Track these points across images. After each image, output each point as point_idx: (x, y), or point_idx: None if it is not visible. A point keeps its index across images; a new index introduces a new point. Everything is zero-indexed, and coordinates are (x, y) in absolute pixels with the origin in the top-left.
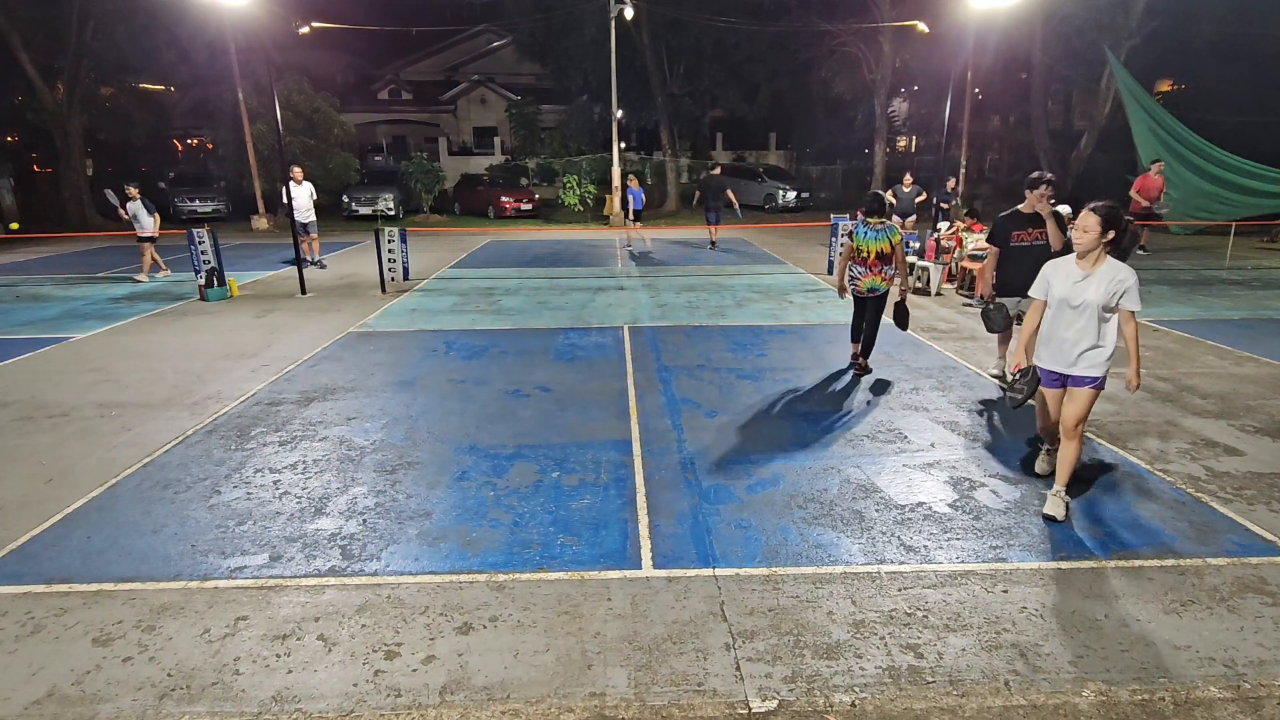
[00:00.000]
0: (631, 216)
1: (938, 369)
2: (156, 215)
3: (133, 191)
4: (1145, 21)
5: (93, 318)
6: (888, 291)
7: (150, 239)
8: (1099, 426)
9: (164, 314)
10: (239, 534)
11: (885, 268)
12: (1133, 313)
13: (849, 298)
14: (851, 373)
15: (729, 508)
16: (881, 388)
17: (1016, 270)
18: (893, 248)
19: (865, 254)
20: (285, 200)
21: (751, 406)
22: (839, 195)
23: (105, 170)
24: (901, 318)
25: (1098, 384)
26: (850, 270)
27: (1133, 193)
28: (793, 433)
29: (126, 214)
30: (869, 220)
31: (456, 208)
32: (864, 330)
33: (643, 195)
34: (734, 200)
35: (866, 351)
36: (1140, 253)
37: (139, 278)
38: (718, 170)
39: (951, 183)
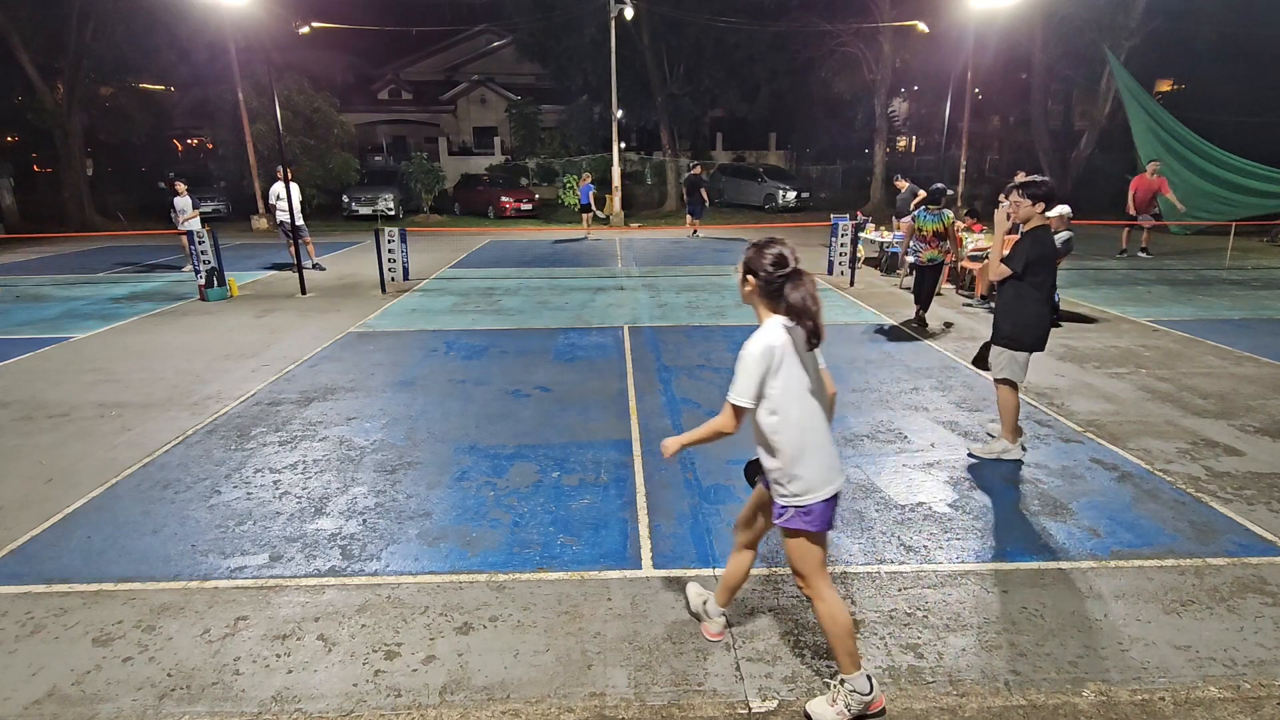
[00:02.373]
0: (579, 210)
1: (938, 369)
2: (197, 210)
3: (180, 187)
4: (1145, 21)
5: (93, 318)
6: (944, 261)
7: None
8: (1099, 426)
9: (164, 314)
10: (239, 534)
11: (941, 243)
12: (729, 404)
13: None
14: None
15: (729, 508)
16: (881, 388)
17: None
18: (946, 228)
19: (925, 233)
20: (285, 200)
21: None
22: (839, 195)
23: (105, 170)
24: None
25: (780, 517)
26: (913, 246)
27: (1169, 195)
28: None
29: (176, 209)
30: (929, 207)
31: (456, 208)
32: (927, 291)
33: (591, 190)
34: (706, 197)
35: (926, 306)
36: (1132, 254)
37: (188, 267)
38: (698, 169)
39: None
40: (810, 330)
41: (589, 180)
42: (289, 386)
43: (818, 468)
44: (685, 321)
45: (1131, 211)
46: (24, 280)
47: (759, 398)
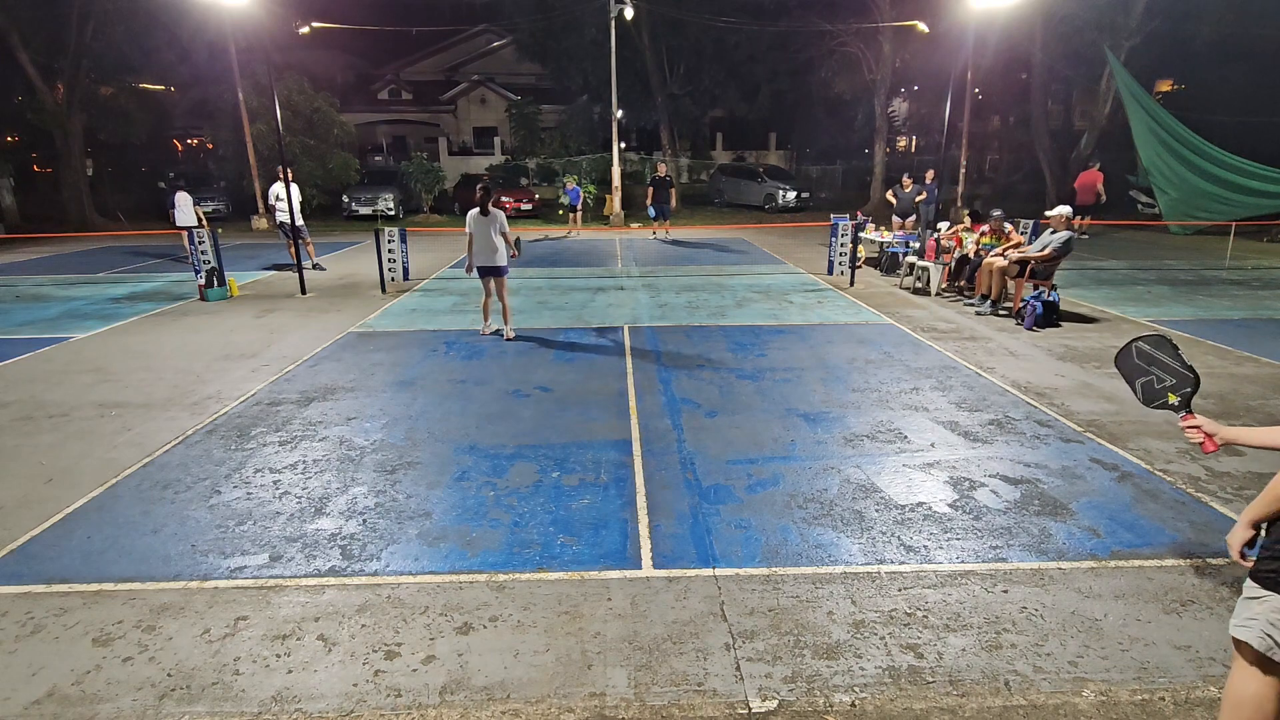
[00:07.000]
0: (570, 210)
1: (938, 369)
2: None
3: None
4: (1145, 21)
5: (93, 318)
6: (979, 255)
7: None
8: (1099, 426)
9: (164, 314)
10: (239, 534)
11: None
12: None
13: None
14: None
15: (729, 508)
16: (881, 388)
17: None
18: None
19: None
20: (286, 200)
21: (751, 406)
22: (839, 195)
23: (105, 170)
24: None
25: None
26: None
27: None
28: (793, 433)
29: (174, 210)
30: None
31: (456, 208)
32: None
33: (579, 192)
34: (673, 197)
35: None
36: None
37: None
38: (662, 170)
39: (931, 174)
40: None
41: (575, 184)
42: (289, 386)
43: None
44: (685, 321)
45: (1078, 202)
46: (24, 280)
47: None
